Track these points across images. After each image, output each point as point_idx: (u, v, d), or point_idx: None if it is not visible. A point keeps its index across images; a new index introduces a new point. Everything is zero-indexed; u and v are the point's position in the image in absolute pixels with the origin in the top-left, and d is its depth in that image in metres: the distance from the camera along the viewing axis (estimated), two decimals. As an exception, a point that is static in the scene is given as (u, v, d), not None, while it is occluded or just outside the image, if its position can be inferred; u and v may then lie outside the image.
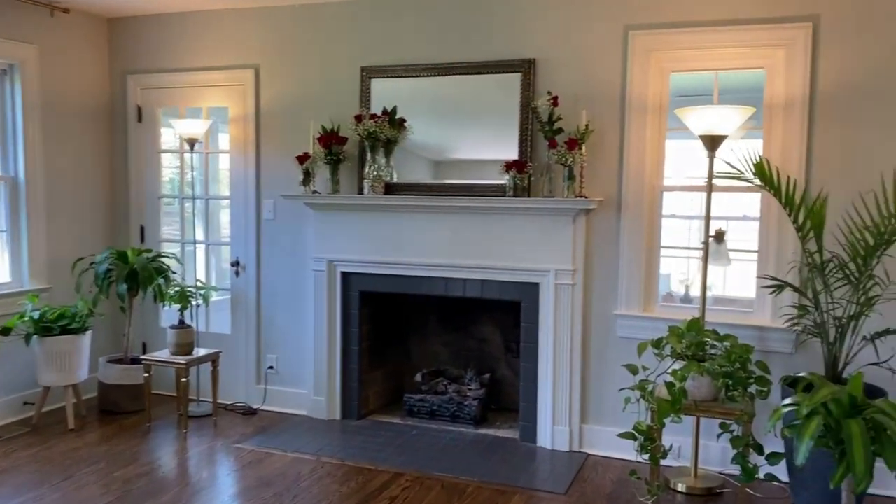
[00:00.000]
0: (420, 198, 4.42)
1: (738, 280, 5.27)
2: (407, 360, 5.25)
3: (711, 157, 3.72)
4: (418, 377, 4.93)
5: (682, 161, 4.69)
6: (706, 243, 3.79)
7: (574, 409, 4.30)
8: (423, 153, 4.60)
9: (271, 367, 5.07)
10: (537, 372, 4.35)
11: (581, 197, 4.10)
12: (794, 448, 2.73)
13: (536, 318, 4.34)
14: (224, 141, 5.18)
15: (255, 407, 5.07)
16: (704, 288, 3.81)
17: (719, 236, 3.82)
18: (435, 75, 4.47)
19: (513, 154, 4.28)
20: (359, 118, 4.45)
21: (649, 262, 4.20)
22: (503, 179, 4.24)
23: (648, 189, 4.14)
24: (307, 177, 4.66)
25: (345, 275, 4.76)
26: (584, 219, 4.21)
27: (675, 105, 4.00)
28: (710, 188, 3.75)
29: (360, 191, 4.58)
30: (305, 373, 4.90)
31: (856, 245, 3.30)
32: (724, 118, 3.59)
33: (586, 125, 4.08)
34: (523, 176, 4.18)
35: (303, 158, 4.61)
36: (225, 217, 5.27)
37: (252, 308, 5.07)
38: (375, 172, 4.49)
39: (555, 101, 4.11)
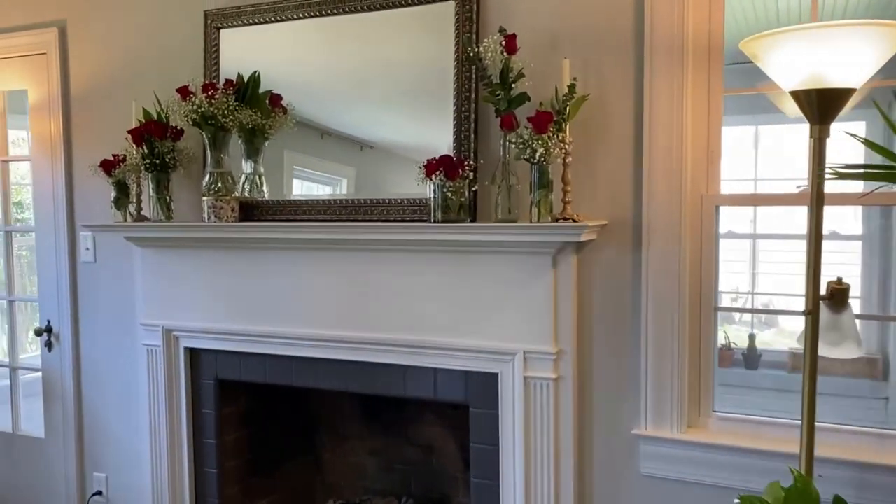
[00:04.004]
0: (274, 228, 2.55)
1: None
2: (318, 476, 3.38)
3: (821, 137, 1.79)
4: (315, 518, 3.05)
5: (746, 149, 2.77)
6: (814, 310, 1.85)
7: None
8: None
9: (99, 494, 3.25)
10: (499, 531, 2.45)
11: (565, 220, 2.19)
12: None
13: (496, 435, 2.43)
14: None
15: (77, 554, 3.27)
16: (812, 404, 1.86)
17: (838, 296, 1.88)
18: (322, 14, 2.62)
19: (448, 145, 2.41)
20: (185, 92, 2.62)
21: (697, 336, 2.27)
22: (428, 191, 2.36)
23: (691, 201, 2.22)
24: (123, 194, 2.85)
25: (192, 353, 2.93)
26: (572, 260, 2.30)
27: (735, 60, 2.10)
28: (817, 198, 1.81)
29: (205, 215, 2.75)
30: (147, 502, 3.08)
31: None
32: (854, 48, 1.66)
33: (570, 86, 2.18)
34: (458, 184, 2.29)
35: (110, 164, 2.79)
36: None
37: (70, 400, 3.27)
38: (219, 184, 2.65)
39: (510, 45, 2.21)
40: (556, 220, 2.20)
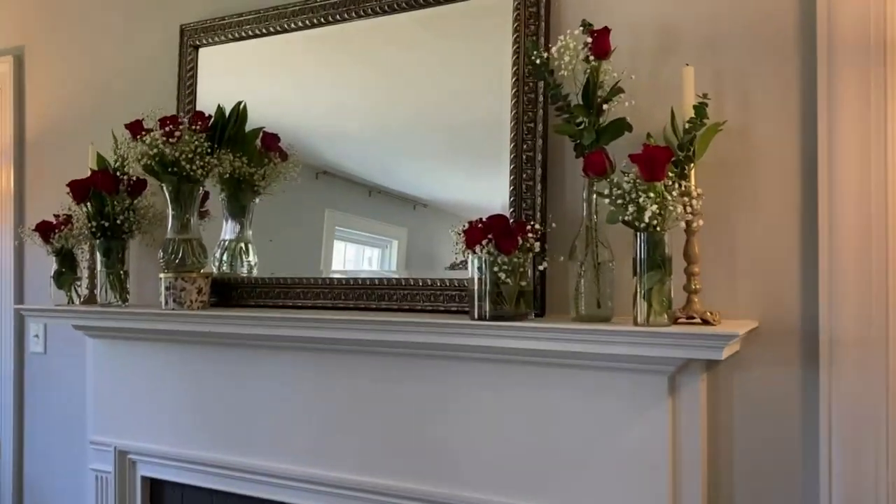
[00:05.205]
0: (227, 320, 1.77)
1: None
2: None
3: None
4: None
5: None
6: None
7: None
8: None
9: None
10: None
11: (690, 320, 1.34)
12: None
13: None
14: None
15: None
16: None
17: None
18: (325, 22, 1.89)
19: (503, 200, 1.61)
20: (136, 129, 1.88)
21: (916, 520, 1.36)
22: (470, 270, 1.53)
23: (905, 294, 1.35)
24: (69, 267, 2.13)
25: (153, 484, 2.14)
26: (700, 383, 1.43)
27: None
28: None
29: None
30: None
31: None
32: None
33: (698, 106, 1.36)
34: (516, 261, 1.47)
35: (49, 227, 2.09)
36: None
37: (9, 533, 2.53)
38: (180, 255, 1.90)
39: (600, 45, 1.42)
40: (677, 319, 1.35)
